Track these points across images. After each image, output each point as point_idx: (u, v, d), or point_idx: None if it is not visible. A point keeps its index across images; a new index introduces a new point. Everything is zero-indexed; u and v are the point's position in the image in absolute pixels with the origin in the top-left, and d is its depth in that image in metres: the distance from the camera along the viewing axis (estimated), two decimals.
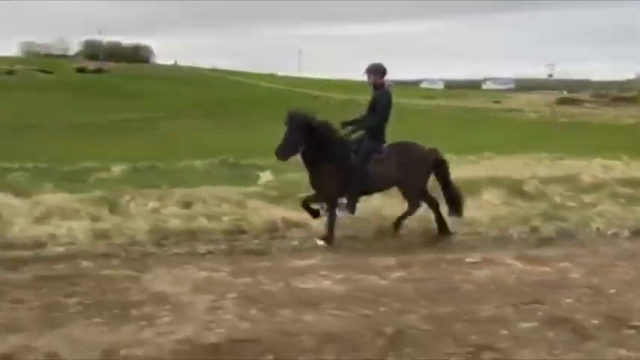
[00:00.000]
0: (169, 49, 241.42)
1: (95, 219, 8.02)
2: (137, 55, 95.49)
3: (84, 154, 18.95)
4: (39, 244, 7.18)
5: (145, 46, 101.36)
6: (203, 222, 7.88)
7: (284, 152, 7.16)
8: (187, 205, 8.40)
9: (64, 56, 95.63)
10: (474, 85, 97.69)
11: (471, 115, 39.36)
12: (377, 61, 7.60)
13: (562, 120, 35.79)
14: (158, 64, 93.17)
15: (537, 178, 10.38)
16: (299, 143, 7.12)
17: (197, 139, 27.36)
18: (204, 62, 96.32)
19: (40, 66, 78.79)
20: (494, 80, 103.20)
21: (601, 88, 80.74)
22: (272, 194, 9.12)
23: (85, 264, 6.49)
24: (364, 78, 7.70)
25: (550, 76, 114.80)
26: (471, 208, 8.33)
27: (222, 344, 4.40)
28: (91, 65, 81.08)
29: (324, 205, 7.41)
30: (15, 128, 34.53)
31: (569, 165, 12.91)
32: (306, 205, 7.47)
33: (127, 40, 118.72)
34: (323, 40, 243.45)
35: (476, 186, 9.39)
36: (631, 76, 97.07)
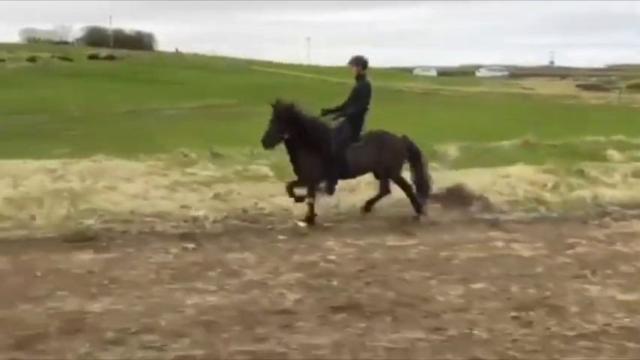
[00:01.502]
0: (168, 36, 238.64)
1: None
2: (141, 43, 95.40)
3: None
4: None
5: (148, 34, 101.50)
6: None
7: (269, 141, 7.56)
8: None
9: (64, 43, 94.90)
10: (467, 73, 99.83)
11: (541, 101, 40.06)
12: (359, 53, 8.16)
13: (635, 106, 36.84)
14: (164, 52, 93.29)
15: None
16: (283, 131, 7.50)
17: None
18: (204, 49, 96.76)
19: (51, 52, 78.51)
20: (488, 68, 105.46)
21: (603, 75, 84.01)
22: None
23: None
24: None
25: (551, 63, 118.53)
26: None
27: None
28: (103, 52, 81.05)
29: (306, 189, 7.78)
30: (123, 115, 35.05)
31: None
32: (290, 190, 7.79)
33: (125, 26, 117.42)
34: (319, 26, 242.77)
35: None
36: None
